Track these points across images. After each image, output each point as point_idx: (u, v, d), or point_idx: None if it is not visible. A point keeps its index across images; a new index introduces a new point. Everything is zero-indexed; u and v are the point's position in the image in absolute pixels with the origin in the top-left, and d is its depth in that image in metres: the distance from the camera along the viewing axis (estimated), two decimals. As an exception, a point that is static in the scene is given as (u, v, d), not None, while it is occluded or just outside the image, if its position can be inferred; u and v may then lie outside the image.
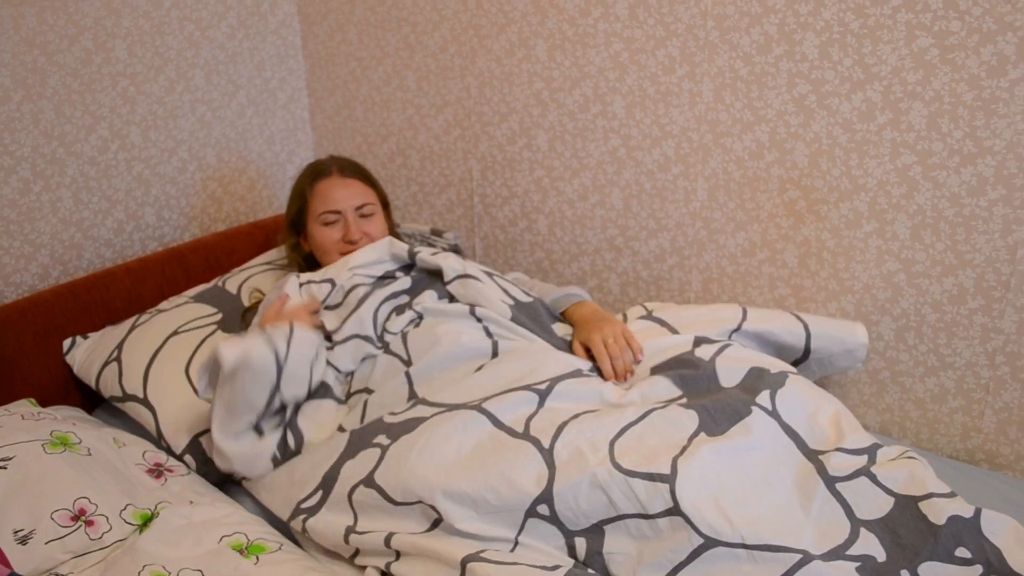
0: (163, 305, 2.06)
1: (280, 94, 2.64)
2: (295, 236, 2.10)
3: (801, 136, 1.87)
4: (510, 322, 1.79)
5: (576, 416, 1.54)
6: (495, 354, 1.74)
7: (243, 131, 2.55)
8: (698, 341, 1.75)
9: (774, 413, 1.55)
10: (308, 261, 2.09)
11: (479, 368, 1.70)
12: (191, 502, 1.63)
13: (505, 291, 1.87)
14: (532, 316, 1.85)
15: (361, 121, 2.61)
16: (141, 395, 1.83)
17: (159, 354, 1.88)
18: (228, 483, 1.77)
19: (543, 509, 1.41)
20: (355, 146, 2.65)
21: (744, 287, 2.05)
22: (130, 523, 1.56)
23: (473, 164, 2.42)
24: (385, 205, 2.14)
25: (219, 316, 1.99)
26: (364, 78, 2.56)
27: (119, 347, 1.92)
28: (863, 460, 1.48)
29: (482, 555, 1.38)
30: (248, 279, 2.12)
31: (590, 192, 2.23)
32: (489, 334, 1.76)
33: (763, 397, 1.57)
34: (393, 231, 2.14)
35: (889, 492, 1.42)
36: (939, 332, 1.84)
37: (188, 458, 1.77)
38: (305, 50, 2.66)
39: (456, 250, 2.25)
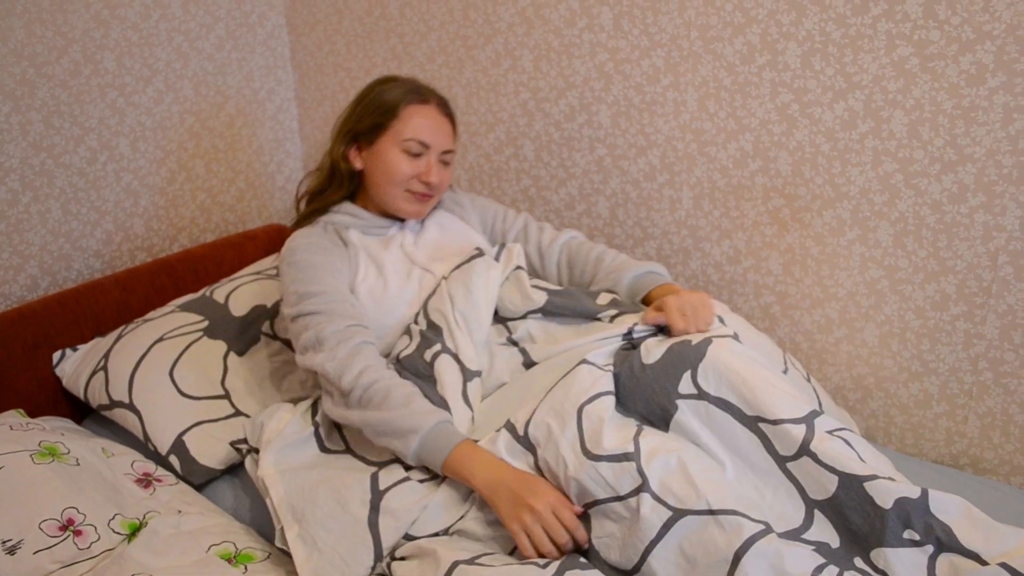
0: (150, 315, 2.07)
1: (269, 105, 2.65)
2: (343, 147, 1.85)
3: (784, 145, 1.89)
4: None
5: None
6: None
7: (232, 141, 2.56)
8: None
9: (701, 394, 1.46)
10: (345, 180, 1.87)
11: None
12: (179, 511, 1.64)
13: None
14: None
15: (350, 131, 2.62)
16: (127, 400, 1.85)
17: (144, 359, 1.89)
18: (215, 490, 1.78)
19: None
20: (344, 156, 2.66)
21: (730, 294, 2.07)
22: (118, 533, 1.56)
23: (461, 173, 2.43)
24: None
25: (205, 323, 2.00)
26: (353, 88, 2.57)
27: (106, 356, 1.93)
28: (802, 431, 1.39)
29: (477, 561, 1.38)
30: (236, 289, 2.12)
31: (576, 201, 2.24)
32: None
33: (684, 382, 1.47)
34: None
35: (832, 470, 1.35)
36: (922, 338, 1.85)
37: (173, 458, 1.77)
38: (294, 61, 2.67)
39: None
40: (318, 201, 1.89)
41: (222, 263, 2.36)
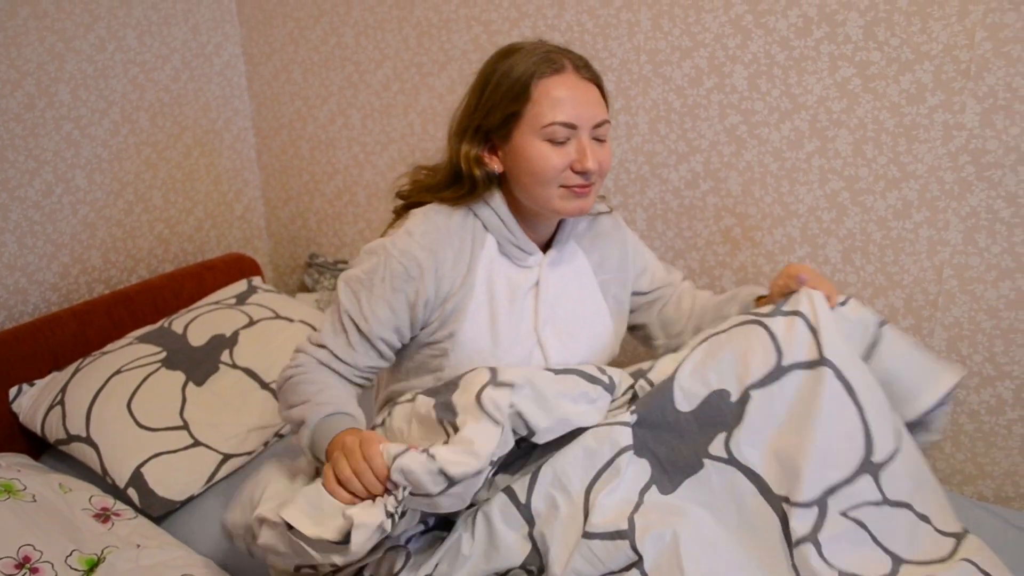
0: (108, 347, 2.07)
1: (226, 134, 2.65)
2: (473, 146, 1.49)
3: (734, 165, 1.92)
4: None
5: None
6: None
7: (189, 172, 2.56)
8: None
9: (731, 460, 1.37)
10: (479, 185, 1.50)
11: None
12: (138, 545, 1.63)
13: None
14: None
15: (308, 159, 2.64)
16: (84, 434, 1.84)
17: (101, 392, 1.89)
18: (174, 523, 1.77)
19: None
20: (302, 184, 2.68)
21: (686, 313, 2.10)
22: (76, 569, 1.55)
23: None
24: None
25: (163, 354, 2.00)
26: (310, 116, 2.59)
27: (63, 390, 1.93)
28: (812, 517, 1.31)
29: None
30: (195, 319, 2.12)
31: (534, 224, 2.26)
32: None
33: (717, 444, 1.38)
34: None
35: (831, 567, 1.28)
36: (873, 352, 1.89)
37: (131, 491, 1.76)
38: (251, 90, 2.69)
39: None
40: (429, 196, 1.54)
41: (181, 294, 2.36)
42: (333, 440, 1.34)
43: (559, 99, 1.42)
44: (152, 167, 2.45)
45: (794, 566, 1.29)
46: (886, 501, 1.34)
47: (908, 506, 1.36)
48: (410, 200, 1.57)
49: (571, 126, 1.42)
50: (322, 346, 1.48)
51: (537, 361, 1.53)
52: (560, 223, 1.59)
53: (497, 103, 1.45)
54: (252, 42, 2.62)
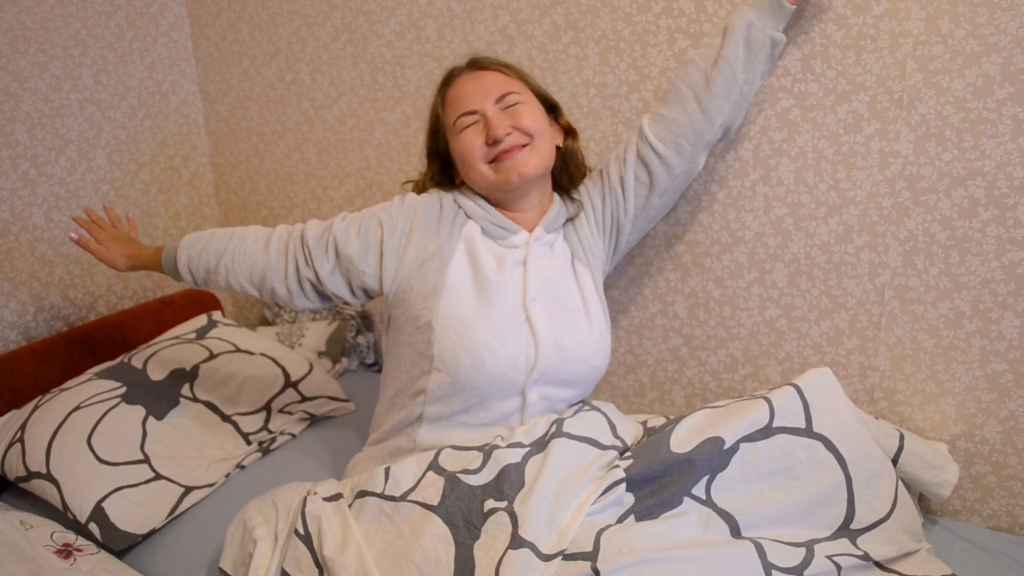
0: (67, 384, 2.07)
1: (184, 171, 2.67)
2: (437, 163, 1.75)
3: (682, 194, 1.98)
4: None
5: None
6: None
7: (148, 209, 2.58)
8: None
9: (708, 502, 1.44)
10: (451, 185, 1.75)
11: None
12: (101, 580, 1.64)
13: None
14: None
15: (265, 194, 2.66)
16: (44, 470, 1.84)
17: (61, 428, 1.89)
18: (137, 557, 1.77)
19: None
20: (261, 219, 2.70)
21: (639, 339, 2.14)
22: (38, 604, 1.56)
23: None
24: (550, 106, 1.74)
25: (123, 389, 2.01)
26: (267, 152, 2.62)
27: (22, 427, 1.92)
28: (800, 556, 1.38)
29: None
30: (155, 354, 2.13)
31: (490, 254, 2.30)
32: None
33: (699, 487, 1.45)
34: (575, 158, 1.78)
35: None
36: (821, 372, 1.94)
37: (92, 526, 1.77)
38: (208, 127, 2.71)
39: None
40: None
41: (140, 330, 2.37)
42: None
43: (455, 98, 1.65)
44: (110, 204, 2.47)
45: None
46: (866, 557, 1.43)
47: (885, 568, 1.45)
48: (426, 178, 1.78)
49: (472, 112, 1.62)
50: (290, 236, 1.73)
51: (527, 339, 1.61)
52: (541, 207, 1.73)
53: (430, 132, 1.73)
54: (208, 79, 2.65)
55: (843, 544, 1.44)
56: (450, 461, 1.54)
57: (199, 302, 2.54)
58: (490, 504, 1.43)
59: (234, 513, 1.67)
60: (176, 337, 2.24)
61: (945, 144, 1.68)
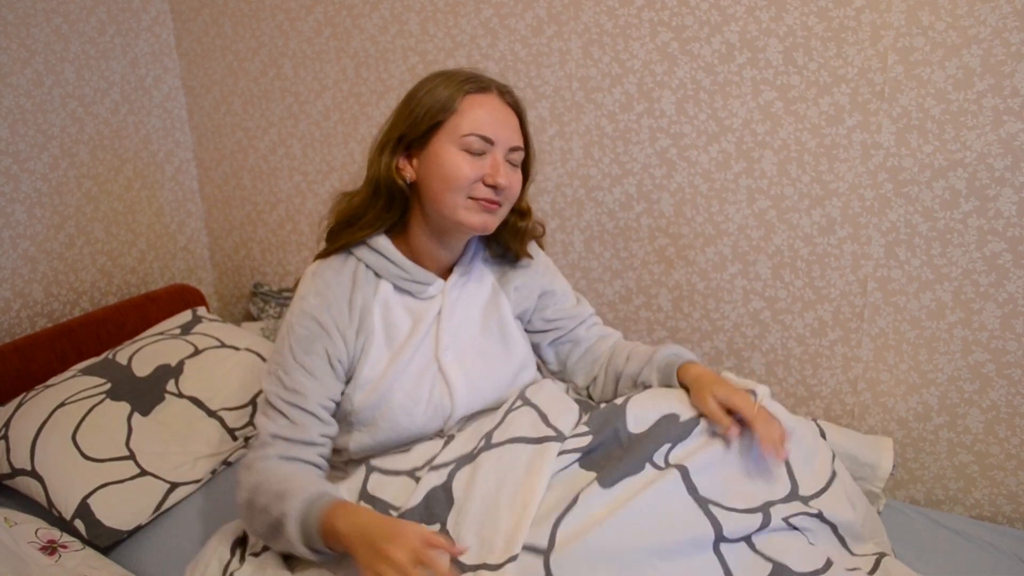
0: (51, 380, 2.06)
1: (168, 166, 2.67)
2: (393, 157, 1.51)
3: (665, 187, 1.98)
4: None
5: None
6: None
7: (131, 204, 2.57)
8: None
9: (667, 467, 1.42)
10: (396, 200, 1.52)
11: None
12: (86, 576, 1.64)
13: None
14: None
15: (250, 189, 2.66)
16: (29, 467, 1.83)
17: (46, 425, 1.88)
18: (122, 553, 1.77)
19: None
20: (245, 214, 2.69)
21: (625, 332, 2.15)
22: (23, 601, 1.55)
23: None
24: (527, 175, 1.60)
25: (108, 386, 2.00)
26: (251, 147, 2.61)
27: (6, 425, 1.92)
28: (756, 521, 1.39)
29: None
30: (140, 350, 2.13)
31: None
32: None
33: (660, 453, 1.44)
34: (531, 232, 1.67)
35: (767, 559, 1.34)
36: (804, 364, 1.95)
37: (78, 522, 1.76)
38: (191, 122, 2.70)
39: None
40: (349, 233, 1.55)
41: (124, 325, 2.36)
42: (336, 522, 1.29)
43: (480, 114, 1.47)
44: (93, 200, 2.46)
45: (722, 558, 1.33)
46: (819, 516, 1.44)
47: (835, 527, 1.46)
48: (330, 246, 1.58)
49: (488, 140, 1.46)
50: (266, 442, 1.46)
51: (440, 391, 1.54)
52: (465, 247, 1.62)
53: (422, 115, 1.48)
54: (191, 75, 2.64)
55: (796, 506, 1.44)
56: (380, 488, 1.50)
57: (184, 298, 2.53)
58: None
59: (220, 510, 1.66)
60: (161, 333, 2.23)
61: (926, 136, 1.69)
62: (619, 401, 1.52)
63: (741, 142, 1.88)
